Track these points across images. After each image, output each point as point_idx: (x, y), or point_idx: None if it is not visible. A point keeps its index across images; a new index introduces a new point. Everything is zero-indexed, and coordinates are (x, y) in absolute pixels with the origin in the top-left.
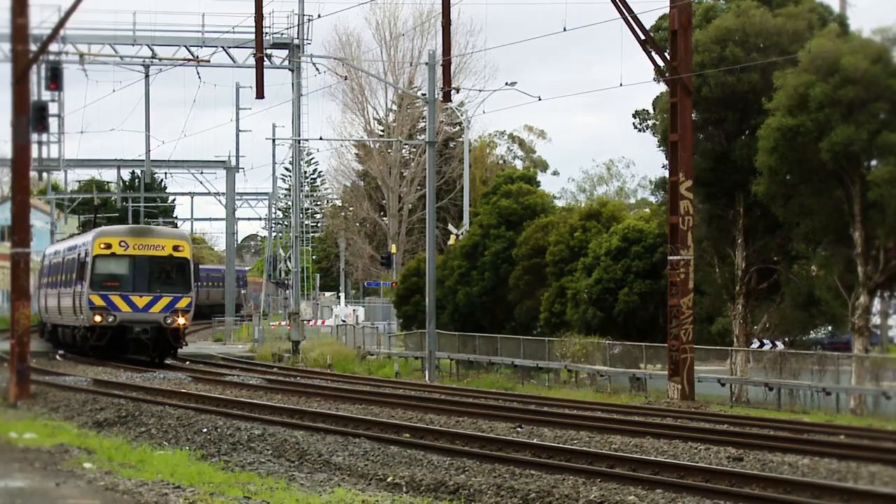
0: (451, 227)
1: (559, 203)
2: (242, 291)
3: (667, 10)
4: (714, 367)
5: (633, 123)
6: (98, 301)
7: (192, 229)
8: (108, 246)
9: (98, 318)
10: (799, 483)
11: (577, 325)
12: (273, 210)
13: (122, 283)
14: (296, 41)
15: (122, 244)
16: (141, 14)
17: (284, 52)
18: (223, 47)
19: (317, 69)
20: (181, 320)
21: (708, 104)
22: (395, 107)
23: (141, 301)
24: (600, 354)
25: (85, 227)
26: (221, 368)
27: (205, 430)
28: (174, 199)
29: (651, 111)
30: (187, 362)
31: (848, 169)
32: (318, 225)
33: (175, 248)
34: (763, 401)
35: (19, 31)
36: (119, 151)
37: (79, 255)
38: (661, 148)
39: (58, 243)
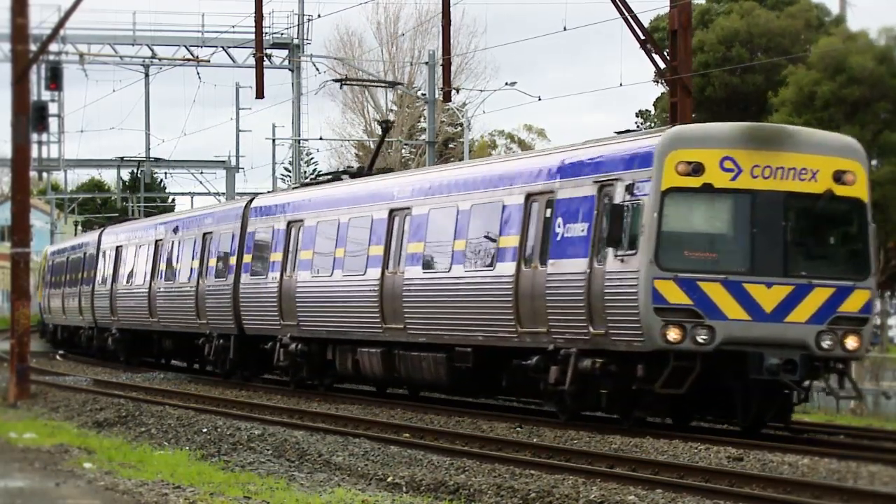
0: None
1: None
2: None
3: (666, 11)
4: None
5: (636, 124)
6: (674, 294)
7: None
8: (699, 169)
9: (675, 335)
10: (799, 483)
11: None
12: None
13: (727, 257)
14: (296, 41)
15: (729, 165)
16: (141, 14)
17: (284, 52)
18: (223, 47)
19: (317, 69)
20: (852, 344)
21: (710, 104)
22: (394, 107)
23: (769, 299)
24: None
25: (86, 228)
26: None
27: (205, 430)
28: (174, 199)
29: (653, 111)
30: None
31: None
32: None
33: (838, 178)
34: None
35: (19, 31)
36: (119, 151)
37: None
38: None
39: (343, 184)
